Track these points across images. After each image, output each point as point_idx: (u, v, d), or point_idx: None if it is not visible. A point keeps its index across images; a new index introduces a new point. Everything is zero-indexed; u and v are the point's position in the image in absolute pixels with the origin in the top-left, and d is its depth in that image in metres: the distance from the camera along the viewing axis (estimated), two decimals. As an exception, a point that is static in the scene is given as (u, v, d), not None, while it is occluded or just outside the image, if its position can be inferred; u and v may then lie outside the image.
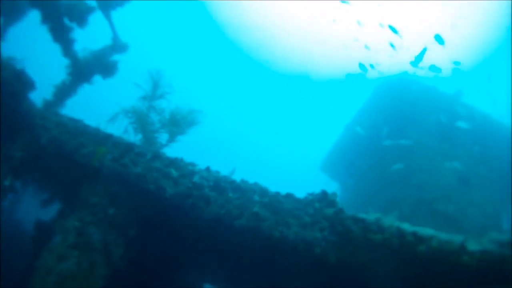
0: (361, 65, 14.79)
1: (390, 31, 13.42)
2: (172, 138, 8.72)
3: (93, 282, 5.32)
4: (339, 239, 5.59)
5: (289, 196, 5.99)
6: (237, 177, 6.22)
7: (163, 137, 8.69)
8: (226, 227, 5.56)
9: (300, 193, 6.47)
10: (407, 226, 5.98)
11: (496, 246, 5.20)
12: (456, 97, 12.92)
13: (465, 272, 4.98)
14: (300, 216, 5.67)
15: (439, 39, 12.53)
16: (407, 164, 11.69)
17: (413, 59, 12.86)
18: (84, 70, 8.96)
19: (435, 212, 11.24)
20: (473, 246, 5.07)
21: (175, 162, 6.09)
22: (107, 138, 6.29)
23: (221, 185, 5.81)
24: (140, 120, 8.52)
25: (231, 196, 5.67)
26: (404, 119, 12.53)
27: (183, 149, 7.93)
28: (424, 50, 11.43)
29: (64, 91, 9.01)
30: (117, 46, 9.64)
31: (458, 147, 12.31)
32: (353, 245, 5.60)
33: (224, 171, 6.38)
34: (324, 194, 6.11)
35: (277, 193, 5.97)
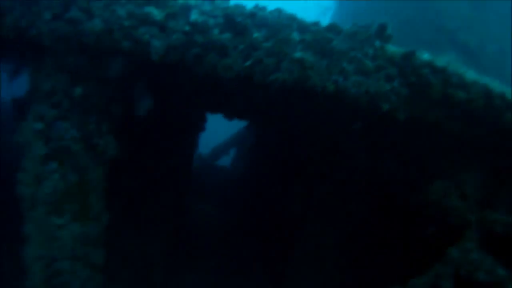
0: None
1: None
2: None
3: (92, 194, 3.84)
4: (412, 92, 4.00)
5: (335, 28, 3.86)
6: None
7: None
8: (257, 87, 3.66)
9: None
10: (488, 81, 4.55)
11: None
12: None
13: None
14: (359, 59, 3.80)
15: None
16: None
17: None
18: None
19: (455, 43, 9.89)
20: None
21: None
22: None
23: (237, 21, 3.60)
24: None
25: (257, 37, 3.59)
26: None
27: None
28: None
29: None
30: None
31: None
32: (429, 101, 4.13)
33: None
34: (381, 27, 4.10)
35: (317, 24, 3.82)
